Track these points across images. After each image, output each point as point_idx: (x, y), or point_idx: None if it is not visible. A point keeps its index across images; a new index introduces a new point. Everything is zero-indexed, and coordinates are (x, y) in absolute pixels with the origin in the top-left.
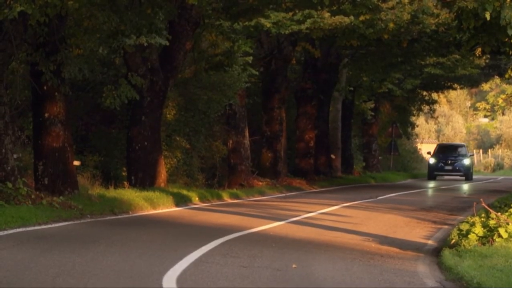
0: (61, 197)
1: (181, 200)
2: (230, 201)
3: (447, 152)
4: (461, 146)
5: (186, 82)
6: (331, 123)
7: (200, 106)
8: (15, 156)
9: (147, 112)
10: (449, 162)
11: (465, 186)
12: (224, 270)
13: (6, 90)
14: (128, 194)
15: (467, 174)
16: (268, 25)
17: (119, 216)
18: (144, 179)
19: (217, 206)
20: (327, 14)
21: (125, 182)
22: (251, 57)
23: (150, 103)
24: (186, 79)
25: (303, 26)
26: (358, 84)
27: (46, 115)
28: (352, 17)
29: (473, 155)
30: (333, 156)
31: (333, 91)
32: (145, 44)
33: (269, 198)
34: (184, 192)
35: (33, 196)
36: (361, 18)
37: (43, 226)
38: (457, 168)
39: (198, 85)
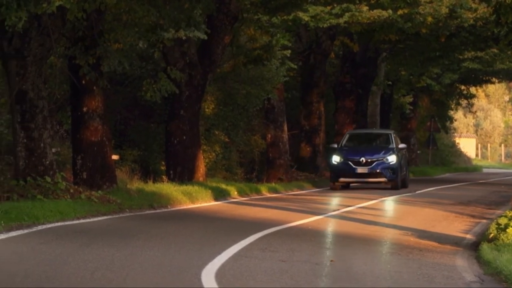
0: (99, 192)
1: (219, 194)
2: (268, 195)
3: (362, 144)
4: (385, 134)
5: (225, 77)
6: (369, 117)
7: (239, 100)
8: (53, 150)
9: (185, 107)
10: (364, 161)
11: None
12: (263, 265)
13: (44, 84)
14: (167, 188)
15: (395, 179)
16: (307, 18)
17: (158, 211)
18: (183, 173)
19: (256, 200)
20: (365, 8)
21: (163, 176)
22: (289, 51)
23: (189, 98)
24: (224, 73)
25: (341, 20)
26: (397, 78)
27: (85, 109)
28: (390, 11)
29: (404, 148)
30: None
31: (371, 85)
32: (184, 38)
33: (308, 192)
34: (223, 186)
35: (71, 191)
36: (399, 12)
37: (82, 221)
38: (377, 170)
39: (236, 80)
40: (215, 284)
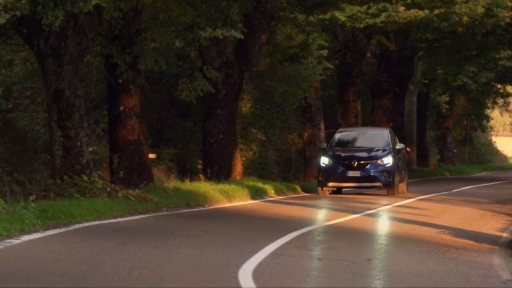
0: (136, 190)
1: (256, 193)
2: (305, 194)
3: (355, 144)
4: (380, 133)
5: (262, 75)
6: (406, 116)
7: (276, 98)
8: (90, 149)
9: (222, 105)
10: (356, 163)
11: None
12: (300, 263)
13: (81, 83)
14: (204, 187)
15: (391, 184)
16: (343, 18)
17: (195, 209)
18: (220, 172)
19: (293, 199)
20: (401, 8)
21: (200, 175)
22: (326, 51)
23: (226, 96)
24: (261, 71)
25: (377, 20)
26: (433, 77)
27: (121, 108)
28: (426, 11)
29: (403, 148)
30: (408, 149)
31: (408, 84)
32: (221, 37)
33: (345, 191)
34: (260, 185)
35: (108, 189)
36: (436, 11)
37: (119, 219)
38: (371, 173)
39: (273, 78)
40: (252, 283)
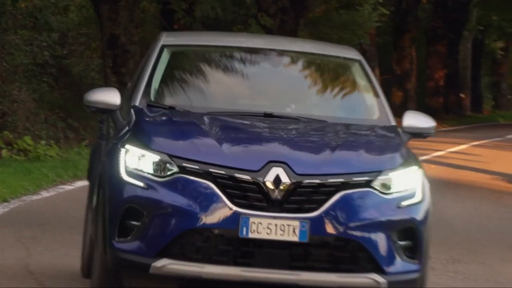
0: None
1: None
2: None
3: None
4: (340, 67)
5: (317, 22)
6: (460, 62)
7: None
8: None
9: None
10: (286, 183)
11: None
12: None
13: (136, 29)
14: None
15: (412, 280)
16: None
17: None
18: None
19: None
20: None
21: None
22: None
23: None
24: (316, 18)
25: None
26: (488, 23)
27: None
28: None
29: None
30: (462, 95)
31: (463, 30)
32: None
33: None
34: None
35: None
36: None
37: None
38: (348, 230)
39: (328, 25)
40: None
